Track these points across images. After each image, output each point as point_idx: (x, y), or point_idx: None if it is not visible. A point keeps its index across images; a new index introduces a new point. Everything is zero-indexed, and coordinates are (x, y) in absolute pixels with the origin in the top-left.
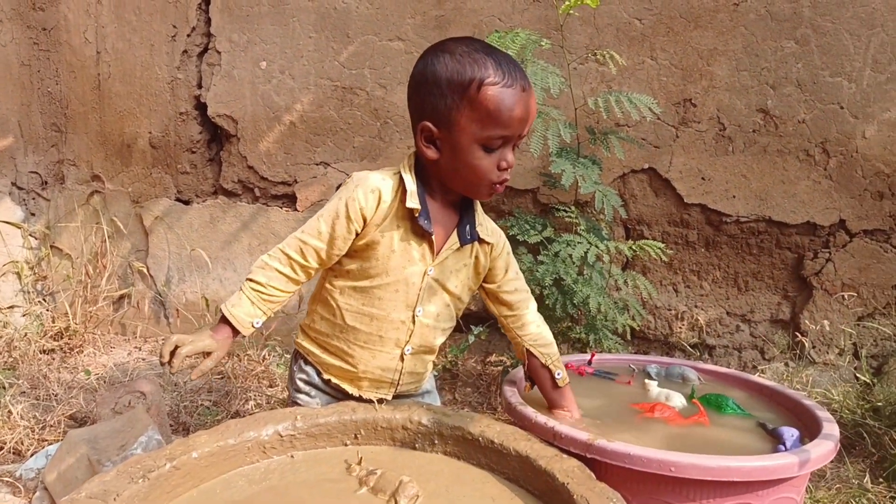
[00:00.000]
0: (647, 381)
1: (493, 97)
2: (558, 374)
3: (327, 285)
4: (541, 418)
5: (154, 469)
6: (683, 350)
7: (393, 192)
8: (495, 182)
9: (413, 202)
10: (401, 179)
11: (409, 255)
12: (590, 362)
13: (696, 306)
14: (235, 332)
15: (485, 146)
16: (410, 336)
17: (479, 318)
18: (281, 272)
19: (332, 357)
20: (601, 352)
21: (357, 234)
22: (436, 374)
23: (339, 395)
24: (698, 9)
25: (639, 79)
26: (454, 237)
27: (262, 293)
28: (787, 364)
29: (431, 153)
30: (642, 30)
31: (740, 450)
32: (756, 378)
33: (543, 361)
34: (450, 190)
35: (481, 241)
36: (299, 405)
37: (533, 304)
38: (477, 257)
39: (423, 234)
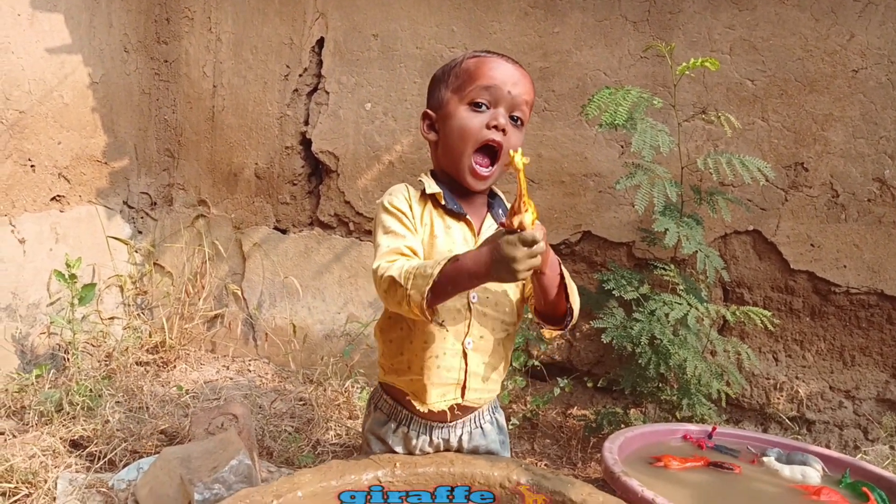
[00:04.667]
0: (773, 460)
1: (472, 62)
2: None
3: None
4: (648, 493)
5: None
6: (781, 423)
7: (417, 192)
8: (479, 142)
9: (433, 188)
10: (420, 184)
11: (452, 238)
12: (710, 435)
13: (796, 377)
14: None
15: (471, 104)
16: (468, 326)
17: (563, 370)
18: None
19: (404, 374)
20: (701, 421)
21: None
22: (515, 423)
23: (403, 440)
24: (814, 73)
25: (748, 139)
26: (489, 219)
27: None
28: (892, 447)
29: (432, 136)
30: (754, 91)
31: None
32: (877, 469)
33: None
34: (462, 187)
35: None
36: (369, 446)
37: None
38: None
39: (458, 217)
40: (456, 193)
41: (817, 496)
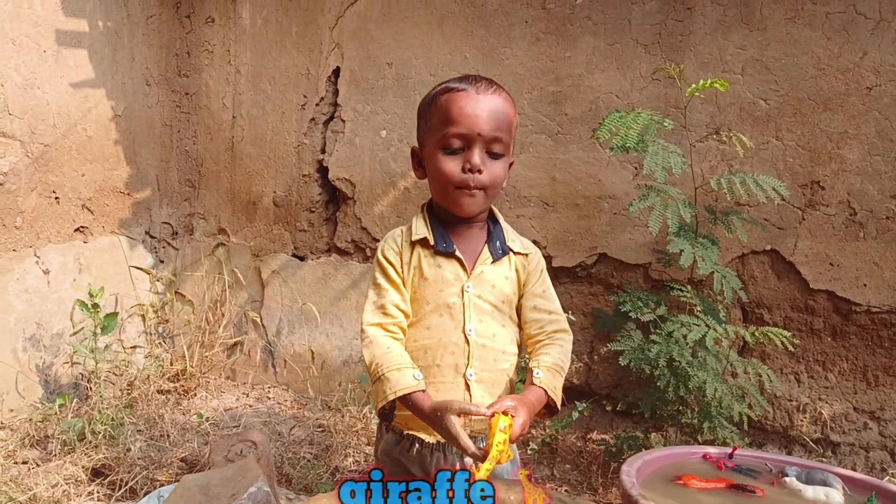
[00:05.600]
0: (795, 481)
1: (447, 99)
2: (537, 374)
3: None
4: None
5: None
6: (805, 445)
7: (406, 234)
8: (459, 185)
9: (419, 234)
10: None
11: (442, 278)
12: (731, 456)
13: (819, 399)
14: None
15: (444, 148)
16: (469, 358)
17: (582, 393)
18: (393, 340)
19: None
20: (723, 444)
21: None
22: (534, 448)
23: (418, 459)
24: (828, 91)
25: (762, 159)
26: (486, 252)
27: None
28: None
29: (420, 174)
30: (767, 110)
31: None
32: None
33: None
34: (457, 217)
35: (517, 252)
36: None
37: (555, 344)
38: (517, 270)
39: (450, 256)
40: (451, 225)
41: None
